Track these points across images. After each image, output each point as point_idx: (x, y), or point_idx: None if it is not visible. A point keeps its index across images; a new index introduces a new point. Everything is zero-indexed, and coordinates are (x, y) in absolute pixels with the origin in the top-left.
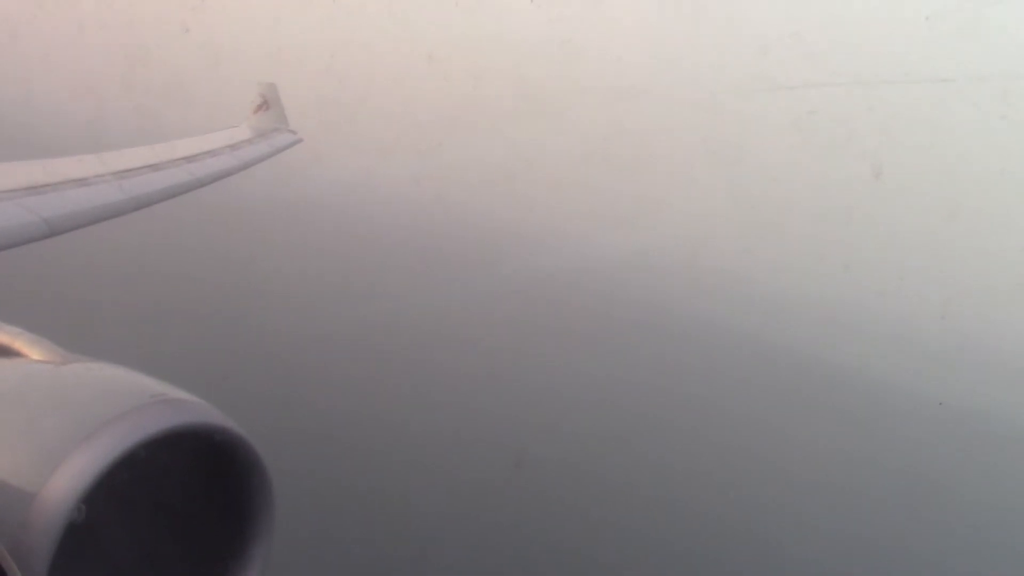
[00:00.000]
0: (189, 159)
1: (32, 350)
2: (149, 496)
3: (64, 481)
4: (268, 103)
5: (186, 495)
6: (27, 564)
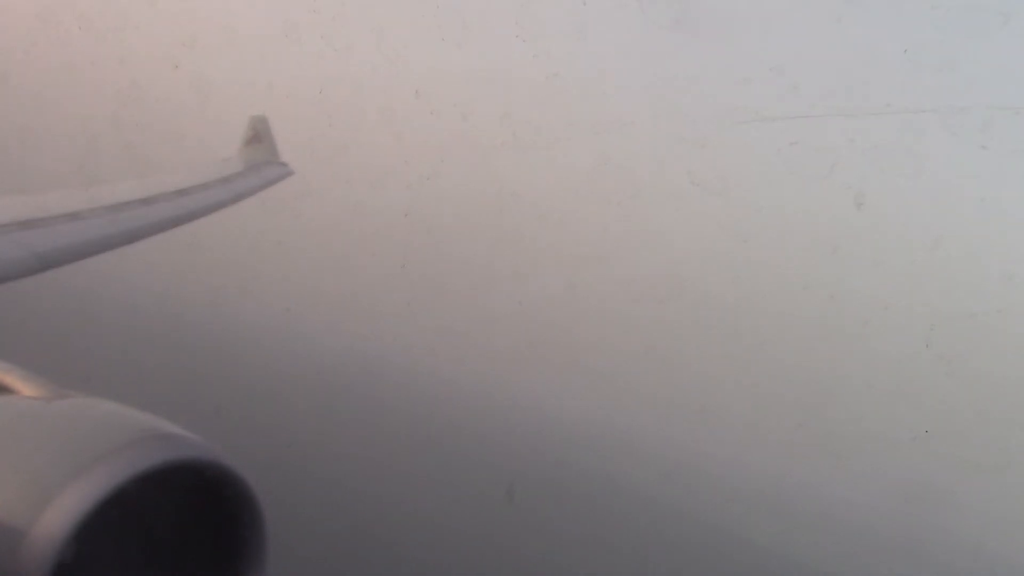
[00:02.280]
0: (181, 192)
1: (24, 386)
2: (141, 531)
3: (54, 519)
4: (259, 136)
5: (178, 530)
6: None
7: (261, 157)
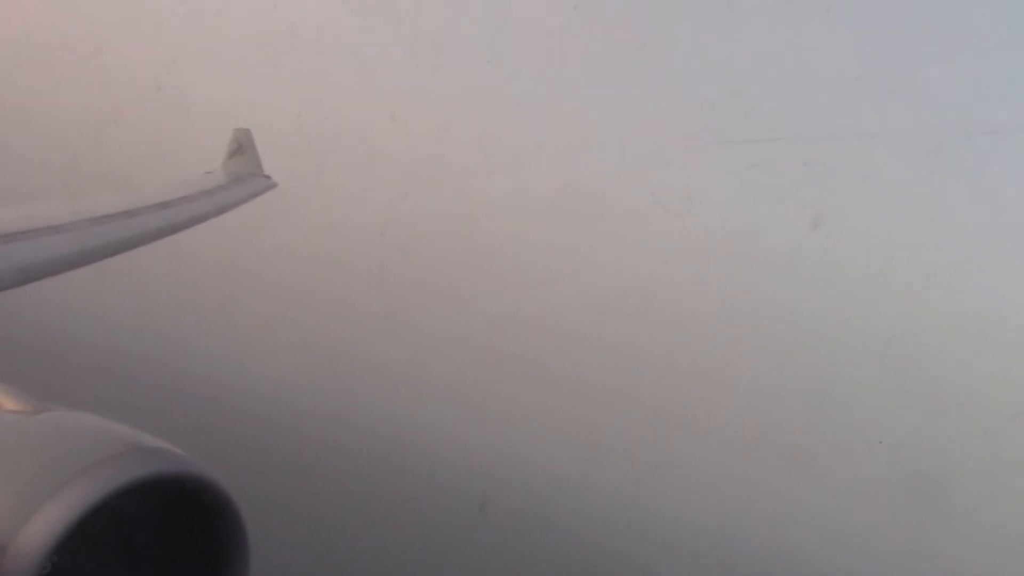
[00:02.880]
0: (164, 205)
1: (4, 400)
2: (123, 545)
3: (35, 533)
4: (243, 148)
5: (160, 544)
6: None
7: (245, 169)
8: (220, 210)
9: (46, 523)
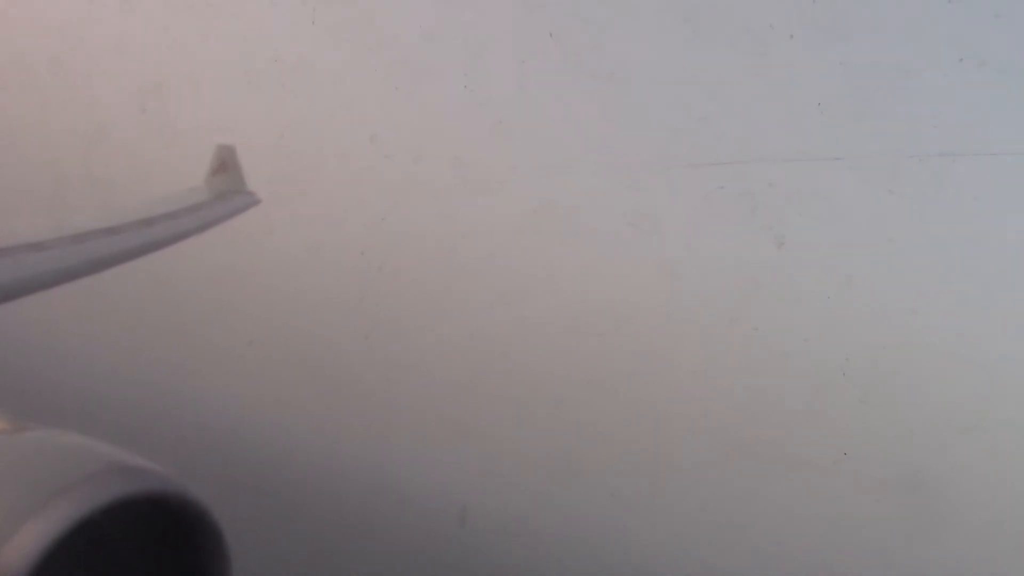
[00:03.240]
0: (147, 222)
1: None
2: (105, 565)
3: (15, 553)
4: (226, 165)
5: (142, 563)
6: None
7: (228, 186)
8: (204, 227)
9: (27, 542)
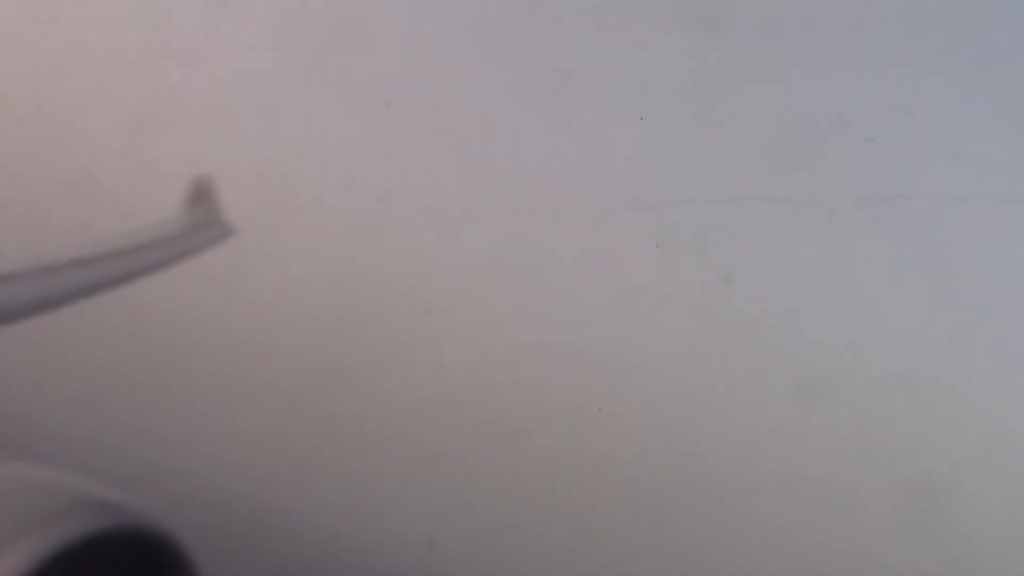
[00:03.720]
0: (120, 253)
1: None
2: None
3: None
4: (202, 196)
5: None
6: None
7: (204, 217)
8: (178, 258)
9: None
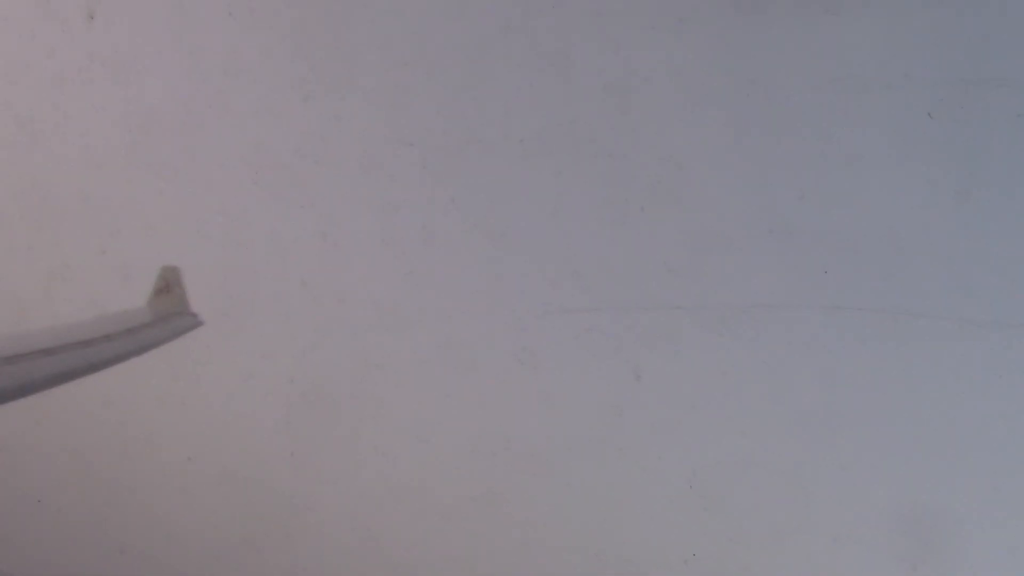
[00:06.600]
0: (84, 343)
1: None
2: None
3: None
4: (169, 286)
5: None
6: None
7: (171, 308)
8: (143, 349)
9: None
